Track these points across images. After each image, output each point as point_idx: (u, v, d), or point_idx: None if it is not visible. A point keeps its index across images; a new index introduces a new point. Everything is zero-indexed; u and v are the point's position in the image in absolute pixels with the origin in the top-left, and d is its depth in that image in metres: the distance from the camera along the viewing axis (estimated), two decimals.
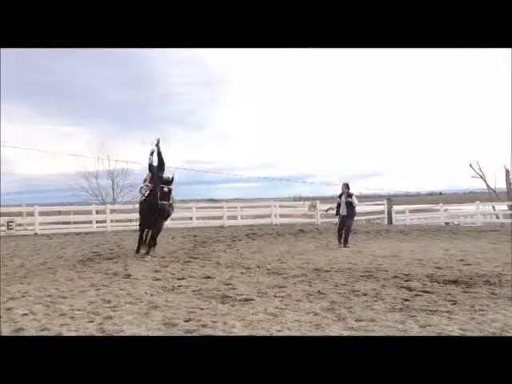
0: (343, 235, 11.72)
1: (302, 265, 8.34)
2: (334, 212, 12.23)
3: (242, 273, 7.58)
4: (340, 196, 11.97)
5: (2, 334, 4.21)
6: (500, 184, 35.12)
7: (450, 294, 5.56)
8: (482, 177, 35.17)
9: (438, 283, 6.33)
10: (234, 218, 19.68)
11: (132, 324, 4.50)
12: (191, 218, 19.45)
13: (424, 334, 4.11)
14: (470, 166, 35.56)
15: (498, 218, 21.74)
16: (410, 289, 5.98)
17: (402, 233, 15.10)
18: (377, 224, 21.78)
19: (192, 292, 6.03)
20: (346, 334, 4.15)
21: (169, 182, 9.88)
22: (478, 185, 36.51)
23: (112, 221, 18.34)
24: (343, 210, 11.78)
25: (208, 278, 7.13)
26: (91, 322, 4.61)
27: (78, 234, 16.10)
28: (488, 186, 35.14)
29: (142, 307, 5.18)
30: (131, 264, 8.66)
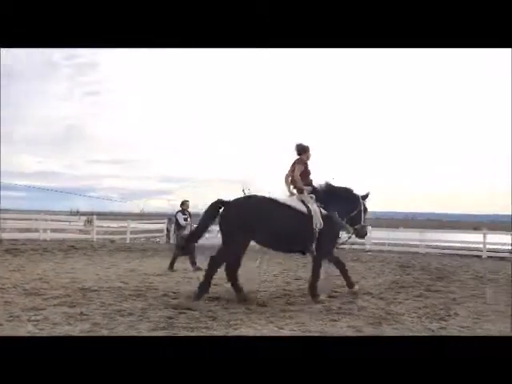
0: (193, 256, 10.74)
1: (67, 284, 7.71)
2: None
3: None
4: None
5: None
6: None
7: (211, 311, 5.90)
8: None
9: (202, 300, 6.65)
10: None
11: None
12: None
13: None
14: (243, 191, 39.35)
15: None
16: (176, 307, 6.13)
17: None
18: (156, 242, 21.90)
19: None
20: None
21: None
22: None
23: None
24: None
25: None
26: None
27: None
28: None
29: None
30: None
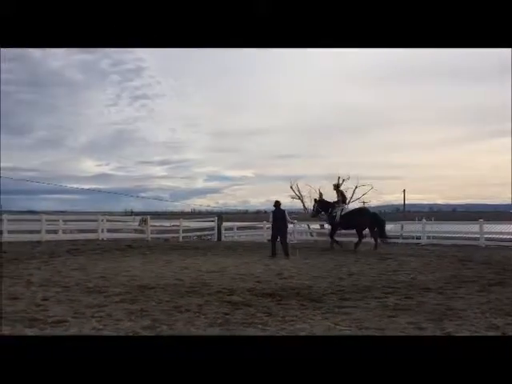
0: (283, 247, 13.09)
1: (126, 282, 8.01)
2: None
3: (57, 292, 6.91)
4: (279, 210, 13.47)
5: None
6: None
7: (265, 307, 5.93)
8: (300, 198, 39.02)
9: (257, 296, 6.71)
10: (55, 232, 18.05)
11: None
12: (1, 232, 17.18)
13: None
14: (291, 187, 39.17)
15: (312, 235, 24.27)
16: (231, 303, 6.21)
17: (229, 249, 15.73)
18: (207, 240, 22.32)
19: None
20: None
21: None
22: (297, 205, 40.31)
23: None
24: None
25: (15, 299, 6.32)
26: None
27: None
28: (304, 206, 39.11)
29: None
30: None
